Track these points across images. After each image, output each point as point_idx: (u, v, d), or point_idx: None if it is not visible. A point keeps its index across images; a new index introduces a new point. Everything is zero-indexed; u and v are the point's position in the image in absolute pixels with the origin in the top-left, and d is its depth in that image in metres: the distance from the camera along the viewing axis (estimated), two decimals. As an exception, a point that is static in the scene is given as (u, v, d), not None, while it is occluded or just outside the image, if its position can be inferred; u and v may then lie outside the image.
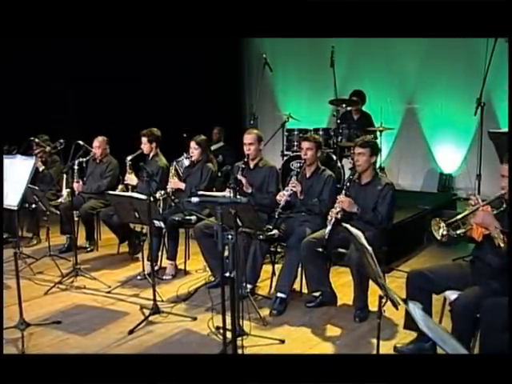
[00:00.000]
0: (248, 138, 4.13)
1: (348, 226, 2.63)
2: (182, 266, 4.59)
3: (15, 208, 3.16)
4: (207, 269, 4.48)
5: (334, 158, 5.21)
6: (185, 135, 5.31)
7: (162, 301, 3.85)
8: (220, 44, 7.22)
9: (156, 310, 3.56)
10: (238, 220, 3.49)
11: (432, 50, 6.92)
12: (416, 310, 1.89)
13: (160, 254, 4.55)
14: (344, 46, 7.53)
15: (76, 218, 5.03)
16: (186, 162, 5.20)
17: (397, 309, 2.56)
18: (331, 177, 4.00)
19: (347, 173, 5.58)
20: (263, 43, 8.28)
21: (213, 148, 6.17)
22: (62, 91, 6.81)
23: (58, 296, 4.06)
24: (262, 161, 4.20)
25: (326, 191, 3.93)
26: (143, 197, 3.64)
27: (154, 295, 3.58)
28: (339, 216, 3.60)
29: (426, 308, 3.02)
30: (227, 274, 4.12)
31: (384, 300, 2.55)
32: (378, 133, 5.34)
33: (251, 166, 4.17)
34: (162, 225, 3.85)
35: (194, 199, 2.32)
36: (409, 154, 7.09)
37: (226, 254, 2.57)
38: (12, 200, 3.18)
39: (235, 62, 8.32)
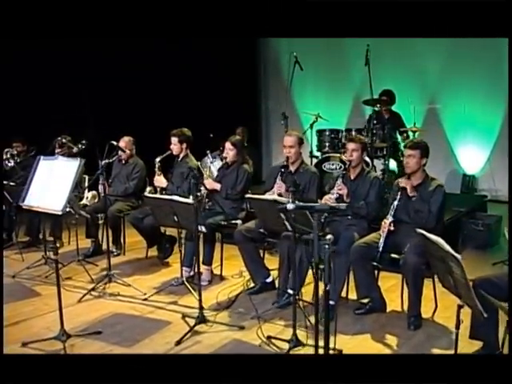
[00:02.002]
0: (288, 140, 3.97)
1: (424, 232, 2.51)
2: (215, 271, 4.43)
3: (59, 213, 2.98)
4: (243, 274, 4.36)
5: (368, 159, 5.07)
6: (211, 135, 5.15)
7: (204, 308, 3.70)
8: (236, 44, 7.09)
9: (202, 319, 3.40)
10: (287, 224, 3.38)
11: (454, 49, 6.84)
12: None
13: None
14: (365, 46, 7.43)
15: (100, 221, 4.89)
16: (210, 163, 5.07)
17: (484, 318, 2.42)
18: (377, 179, 3.88)
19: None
20: (280, 43, 8.16)
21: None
22: (77, 91, 6.60)
23: (92, 304, 3.88)
24: (303, 165, 4.05)
25: (373, 194, 3.80)
26: (189, 200, 3.48)
27: (200, 303, 3.43)
28: (392, 228, 3.48)
29: (494, 315, 2.92)
30: (269, 280, 4.07)
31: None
32: (411, 133, 5.21)
33: (292, 169, 4.02)
34: (204, 229, 3.68)
35: (290, 206, 2.17)
36: (431, 155, 6.95)
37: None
38: (55, 205, 3.00)
39: (251, 63, 8.17)
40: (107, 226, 4.41)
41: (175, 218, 3.69)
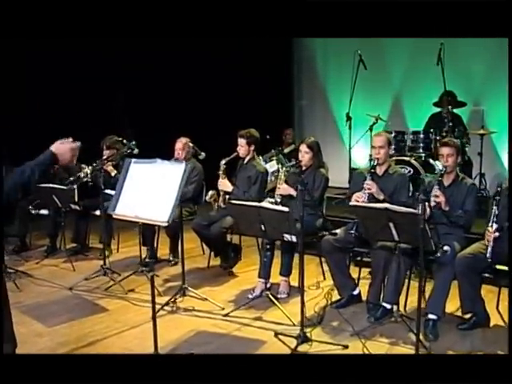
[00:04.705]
0: (378, 140, 3.75)
1: None
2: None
3: (165, 224, 2.67)
4: (321, 285, 4.11)
5: (432, 161, 4.86)
6: (268, 137, 4.87)
7: (294, 325, 3.43)
8: (269, 44, 6.82)
9: (304, 339, 3.12)
10: (395, 233, 3.14)
11: (498, 50, 6.68)
12: None
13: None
14: (405, 45, 7.26)
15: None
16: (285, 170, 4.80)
17: None
18: (474, 185, 3.66)
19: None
20: (315, 43, 7.91)
21: (286, 151, 5.75)
22: (111, 92, 6.27)
23: (168, 320, 3.55)
24: (391, 167, 3.83)
25: (470, 201, 3.56)
26: (285, 209, 3.20)
27: (302, 321, 3.14)
28: (497, 234, 3.26)
29: None
30: (356, 292, 3.82)
31: None
32: (479, 137, 5.02)
33: (379, 172, 3.79)
34: (294, 239, 3.40)
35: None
36: (474, 158, 6.81)
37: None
38: (159, 215, 2.68)
39: (284, 62, 7.89)
40: (182, 232, 4.05)
41: (262, 226, 3.42)
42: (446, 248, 3.11)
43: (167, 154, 4.73)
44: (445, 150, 3.62)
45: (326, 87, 7.90)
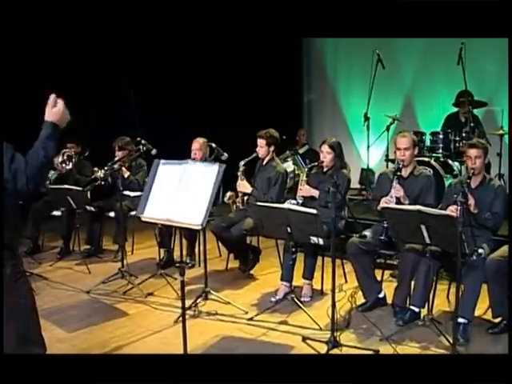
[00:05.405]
0: (403, 141, 3.68)
1: None
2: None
3: (199, 228, 2.59)
4: (343, 288, 4.06)
5: (450, 162, 4.81)
6: (284, 137, 4.79)
7: (321, 329, 3.37)
8: (278, 45, 6.77)
9: (335, 344, 3.05)
10: (426, 235, 3.08)
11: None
12: None
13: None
14: (417, 45, 7.22)
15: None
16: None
17: None
18: (502, 187, 3.60)
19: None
20: (325, 44, 7.86)
21: (300, 151, 5.67)
22: (122, 91, 6.17)
23: (191, 324, 3.42)
24: (416, 169, 3.77)
25: (498, 203, 3.50)
26: (313, 211, 3.14)
27: (333, 325, 3.08)
28: None
29: None
30: (381, 295, 3.76)
31: None
32: (498, 137, 4.98)
33: (405, 174, 3.72)
34: (321, 242, 3.34)
35: None
36: (489, 158, 6.77)
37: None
38: (192, 218, 2.60)
39: (295, 63, 7.83)
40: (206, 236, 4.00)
41: (288, 229, 3.35)
42: (480, 251, 3.07)
43: (182, 155, 4.68)
44: (472, 152, 3.55)
45: (336, 87, 7.83)
